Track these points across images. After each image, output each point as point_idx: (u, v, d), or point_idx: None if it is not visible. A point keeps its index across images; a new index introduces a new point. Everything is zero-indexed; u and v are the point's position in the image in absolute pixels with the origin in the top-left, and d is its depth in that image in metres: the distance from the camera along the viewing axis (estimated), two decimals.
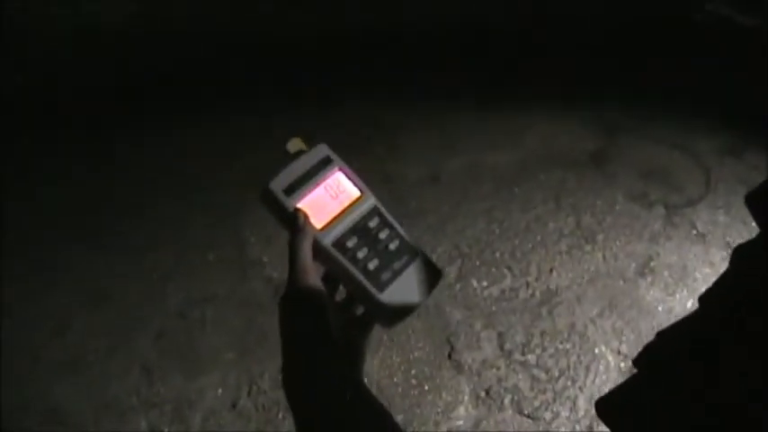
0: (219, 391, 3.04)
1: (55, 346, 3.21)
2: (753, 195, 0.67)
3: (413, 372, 3.10)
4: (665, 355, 0.70)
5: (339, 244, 1.02)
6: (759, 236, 0.64)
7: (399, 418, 2.89)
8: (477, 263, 3.62)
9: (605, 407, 0.73)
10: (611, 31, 5.77)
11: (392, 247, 1.06)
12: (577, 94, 5.02)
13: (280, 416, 2.93)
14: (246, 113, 4.63)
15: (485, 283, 3.51)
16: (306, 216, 1.00)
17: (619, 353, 3.21)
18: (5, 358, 3.09)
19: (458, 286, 3.47)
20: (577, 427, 2.92)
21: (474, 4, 5.94)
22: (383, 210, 1.09)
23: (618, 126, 4.72)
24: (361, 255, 1.02)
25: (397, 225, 1.08)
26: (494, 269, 3.60)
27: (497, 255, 3.67)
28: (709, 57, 5.40)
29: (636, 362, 0.73)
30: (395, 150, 4.31)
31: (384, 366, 3.09)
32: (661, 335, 0.72)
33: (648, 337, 2.99)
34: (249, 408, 2.97)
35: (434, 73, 5.16)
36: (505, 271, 3.59)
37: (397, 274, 1.04)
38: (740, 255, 0.67)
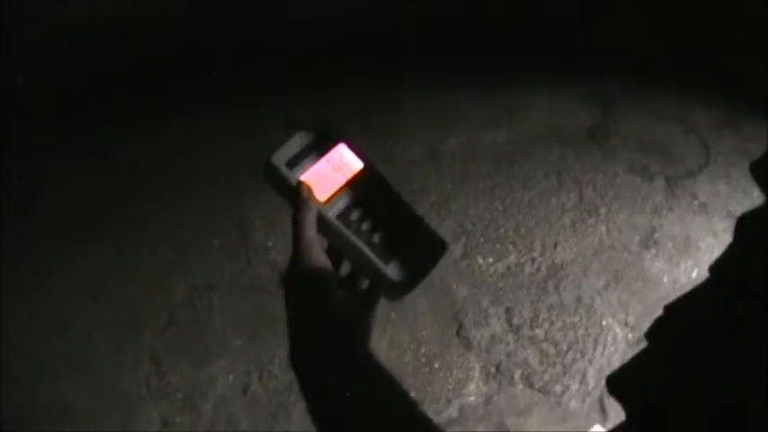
0: (230, 377, 3.04)
1: (61, 342, 3.20)
2: (757, 164, 0.67)
3: (422, 350, 3.11)
4: (675, 327, 0.70)
5: (343, 217, 1.02)
6: (764, 204, 0.63)
7: (410, 397, 2.90)
8: (482, 240, 3.62)
9: (616, 382, 0.73)
10: (607, 4, 5.76)
11: (396, 219, 1.05)
12: (574, 69, 5.01)
13: (292, 399, 2.94)
14: (242, 100, 4.62)
15: (490, 260, 3.52)
16: (309, 189, 0.99)
17: (626, 324, 3.23)
18: (12, 356, 3.08)
19: (463, 263, 3.48)
20: (588, 400, 2.94)
21: None
22: (387, 182, 1.08)
23: (615, 101, 4.71)
24: (365, 227, 1.02)
25: (401, 197, 1.08)
26: (498, 246, 3.61)
27: (501, 231, 3.68)
28: (704, 29, 5.41)
29: (648, 335, 0.72)
30: (393, 131, 4.30)
31: (393, 346, 3.10)
32: (671, 307, 0.71)
33: (655, 308, 3.02)
34: (260, 393, 2.98)
35: (429, 52, 5.15)
36: (510, 247, 3.60)
37: (402, 245, 1.03)
38: (744, 223, 0.66)
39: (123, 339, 3.21)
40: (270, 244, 3.60)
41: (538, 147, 4.27)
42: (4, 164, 3.97)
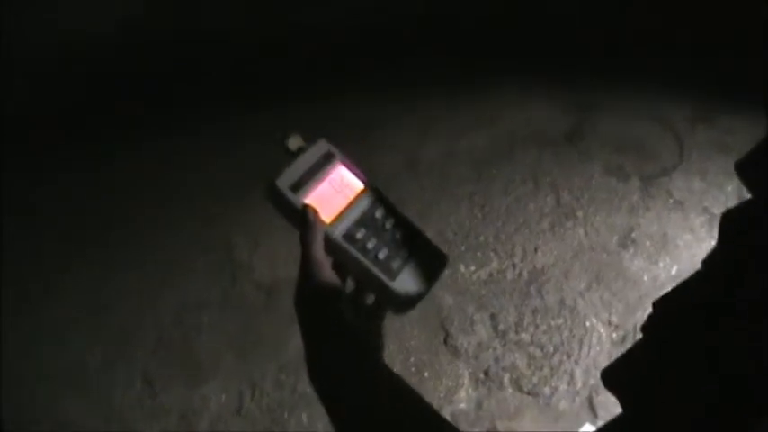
0: (223, 396, 3.06)
1: (57, 363, 3.22)
2: (742, 163, 0.69)
3: (411, 360, 3.14)
4: (669, 319, 0.72)
5: (349, 236, 1.04)
6: (749, 201, 0.66)
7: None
8: (463, 248, 3.66)
9: (611, 376, 0.75)
10: (576, 5, 5.80)
11: (399, 235, 1.09)
12: (549, 71, 5.05)
13: (285, 416, 2.96)
14: (217, 121, 4.63)
15: (472, 268, 3.56)
16: (315, 212, 1.02)
17: (609, 323, 3.27)
18: (9, 375, 3.09)
19: (447, 272, 3.48)
20: (577, 399, 2.98)
21: None
22: (387, 200, 1.12)
23: (588, 101, 4.76)
24: (370, 245, 1.05)
25: (401, 213, 1.11)
26: (480, 253, 3.64)
27: (482, 239, 3.72)
28: (673, 23, 5.46)
29: (643, 329, 0.75)
30: (370, 142, 4.31)
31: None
32: (664, 299, 0.74)
33: (637, 306, 3.08)
34: (254, 410, 3.00)
35: (402, 62, 5.17)
36: (491, 254, 3.64)
37: (406, 261, 1.07)
38: (729, 219, 0.69)
39: (116, 360, 3.23)
40: (254, 262, 3.62)
41: (515, 151, 4.31)
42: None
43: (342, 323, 0.98)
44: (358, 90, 4.85)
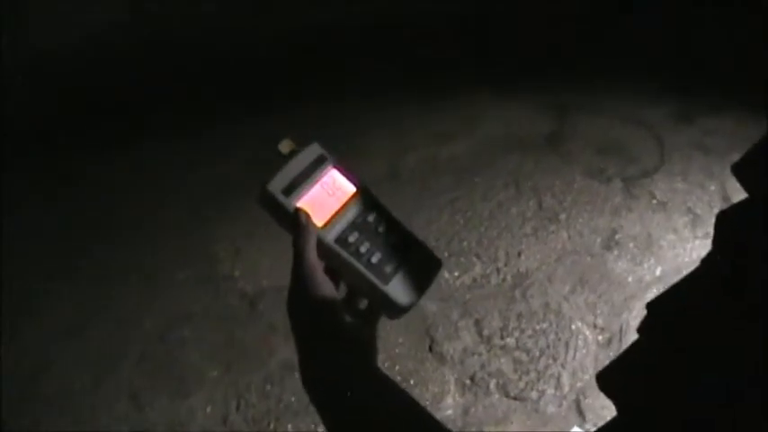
0: (208, 408, 3.04)
1: (42, 381, 3.18)
2: (739, 165, 0.68)
3: (397, 368, 3.13)
4: (662, 321, 0.72)
5: (341, 240, 1.04)
6: (744, 201, 0.65)
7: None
8: (446, 254, 3.65)
9: (606, 379, 0.75)
10: (548, 7, 5.82)
11: (392, 239, 1.08)
12: (524, 74, 5.06)
13: (271, 426, 2.94)
14: (192, 131, 4.62)
15: (456, 273, 3.55)
16: (308, 215, 1.01)
17: (595, 326, 3.26)
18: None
19: None
20: (564, 403, 2.97)
21: None
22: (380, 203, 1.11)
23: (568, 103, 4.77)
24: (363, 249, 1.04)
25: (394, 216, 1.11)
26: (463, 259, 3.63)
27: (465, 244, 3.70)
28: (648, 23, 5.48)
29: (639, 330, 0.74)
30: (350, 151, 4.28)
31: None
32: (656, 302, 0.73)
33: (622, 308, 3.07)
34: (240, 422, 2.98)
35: (378, 68, 5.17)
36: (474, 259, 3.63)
37: (399, 265, 1.06)
38: (725, 223, 0.68)
39: (100, 376, 3.19)
40: (237, 273, 3.60)
41: (496, 156, 4.31)
42: None
43: (335, 328, 0.98)
44: (339, 97, 4.84)
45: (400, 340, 3.23)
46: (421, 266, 1.09)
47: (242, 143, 4.17)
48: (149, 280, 3.62)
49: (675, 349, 0.66)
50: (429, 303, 3.38)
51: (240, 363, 3.20)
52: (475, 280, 3.52)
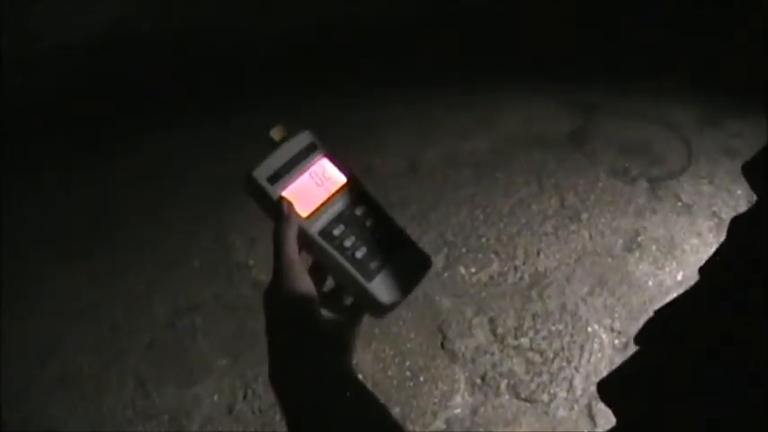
0: (215, 397, 3.02)
1: (48, 365, 3.18)
2: (749, 165, 0.67)
3: (407, 363, 3.09)
4: (665, 330, 0.70)
5: (325, 232, 1.01)
6: (756, 205, 0.64)
7: (396, 411, 2.89)
8: (464, 250, 3.61)
9: (607, 388, 0.73)
10: (579, 5, 5.78)
11: (379, 234, 1.05)
12: (552, 72, 5.02)
13: (277, 418, 2.92)
14: (215, 119, 4.61)
15: (473, 270, 3.51)
16: (291, 205, 0.99)
17: (612, 330, 3.21)
18: (1, 377, 3.07)
19: (446, 274, 3.46)
20: (576, 407, 2.92)
21: None
22: (370, 196, 1.07)
23: (593, 102, 4.73)
24: (348, 243, 1.01)
25: (384, 211, 1.07)
26: (480, 255, 3.59)
27: (483, 240, 3.66)
28: (677, 24, 5.42)
29: (637, 340, 0.73)
30: (371, 143, 4.30)
31: (378, 360, 3.08)
32: (660, 310, 0.71)
33: (640, 312, 3.01)
34: (246, 412, 2.96)
35: (402, 62, 5.16)
36: (492, 256, 3.59)
37: (385, 262, 1.02)
38: (738, 225, 0.67)
39: (108, 361, 3.19)
40: (251, 262, 3.58)
41: (518, 153, 4.27)
42: None
43: (309, 325, 0.95)
44: (358, 91, 4.82)
45: (412, 335, 3.19)
46: (408, 265, 1.05)
47: (242, 142, 4.17)
48: (162, 268, 3.61)
49: (681, 357, 0.64)
50: (443, 299, 3.34)
51: (249, 353, 3.17)
52: (492, 277, 3.48)
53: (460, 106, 4.71)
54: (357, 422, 0.94)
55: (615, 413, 0.69)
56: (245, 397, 3.01)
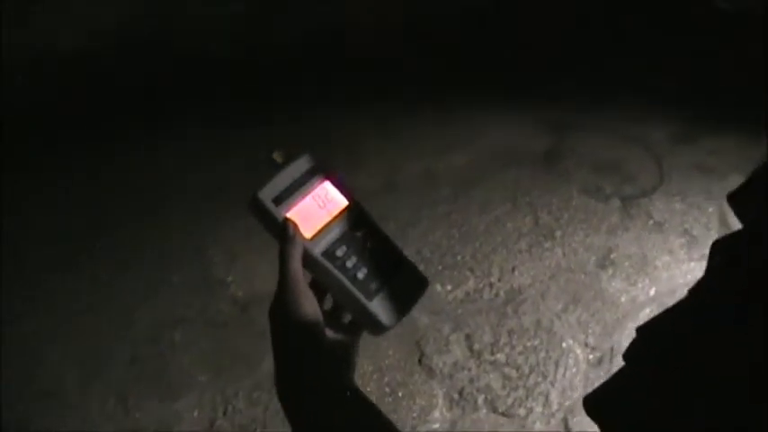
0: (196, 413, 3.03)
1: (30, 380, 3.17)
2: (734, 195, 0.69)
3: (385, 379, 3.12)
4: (652, 347, 0.71)
5: (328, 253, 1.04)
6: (740, 231, 0.66)
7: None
8: (440, 267, 3.64)
9: (593, 404, 0.74)
10: (553, 24, 5.82)
11: (380, 255, 1.08)
12: (528, 91, 5.06)
13: None
14: (198, 134, 4.61)
15: (449, 287, 3.54)
16: (295, 226, 1.01)
17: (586, 345, 3.25)
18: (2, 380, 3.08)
19: None
20: (552, 422, 2.96)
21: (417, 3, 6.00)
22: (371, 219, 1.11)
23: (570, 121, 4.77)
24: (350, 264, 1.04)
25: (385, 233, 1.11)
26: (456, 272, 3.63)
27: (459, 258, 3.70)
28: (653, 41, 5.48)
29: (625, 356, 0.74)
30: (349, 160, 4.31)
31: (356, 376, 3.09)
32: (647, 327, 0.73)
33: (614, 327, 3.06)
34: (226, 428, 2.97)
35: (380, 79, 5.17)
36: (468, 273, 3.63)
37: (385, 282, 1.06)
38: (719, 248, 0.69)
39: (89, 376, 3.19)
40: (230, 279, 3.59)
41: (494, 171, 4.31)
42: None
43: (314, 341, 0.98)
44: (339, 108, 4.83)
45: (390, 352, 3.22)
46: (407, 285, 1.09)
47: (242, 146, 4.17)
48: (142, 283, 3.61)
49: (668, 374, 0.66)
50: (421, 316, 3.37)
51: (230, 369, 3.19)
52: (468, 294, 3.51)
53: (440, 124, 4.75)
54: None
55: (602, 429, 0.70)
56: (225, 413, 3.02)
